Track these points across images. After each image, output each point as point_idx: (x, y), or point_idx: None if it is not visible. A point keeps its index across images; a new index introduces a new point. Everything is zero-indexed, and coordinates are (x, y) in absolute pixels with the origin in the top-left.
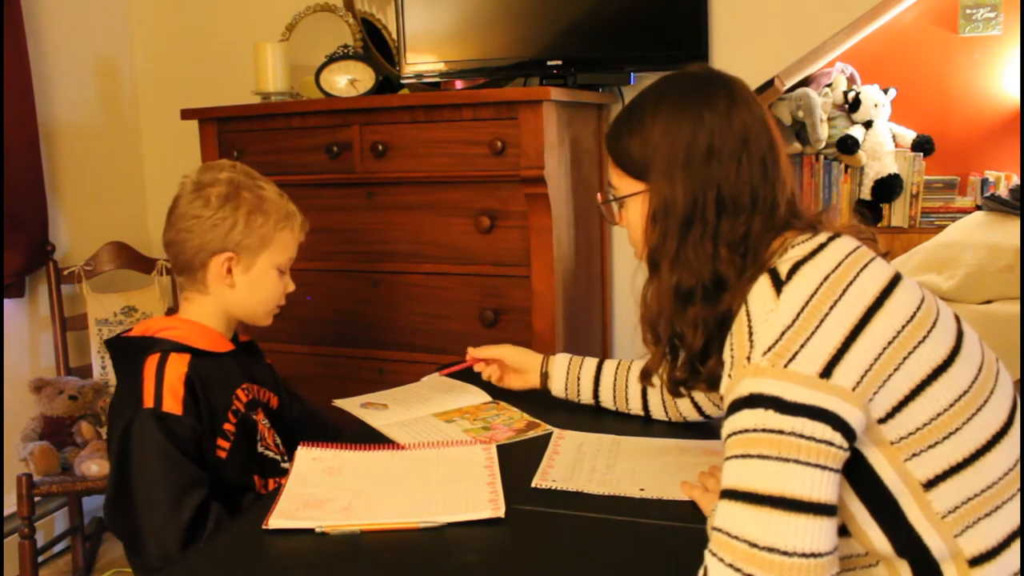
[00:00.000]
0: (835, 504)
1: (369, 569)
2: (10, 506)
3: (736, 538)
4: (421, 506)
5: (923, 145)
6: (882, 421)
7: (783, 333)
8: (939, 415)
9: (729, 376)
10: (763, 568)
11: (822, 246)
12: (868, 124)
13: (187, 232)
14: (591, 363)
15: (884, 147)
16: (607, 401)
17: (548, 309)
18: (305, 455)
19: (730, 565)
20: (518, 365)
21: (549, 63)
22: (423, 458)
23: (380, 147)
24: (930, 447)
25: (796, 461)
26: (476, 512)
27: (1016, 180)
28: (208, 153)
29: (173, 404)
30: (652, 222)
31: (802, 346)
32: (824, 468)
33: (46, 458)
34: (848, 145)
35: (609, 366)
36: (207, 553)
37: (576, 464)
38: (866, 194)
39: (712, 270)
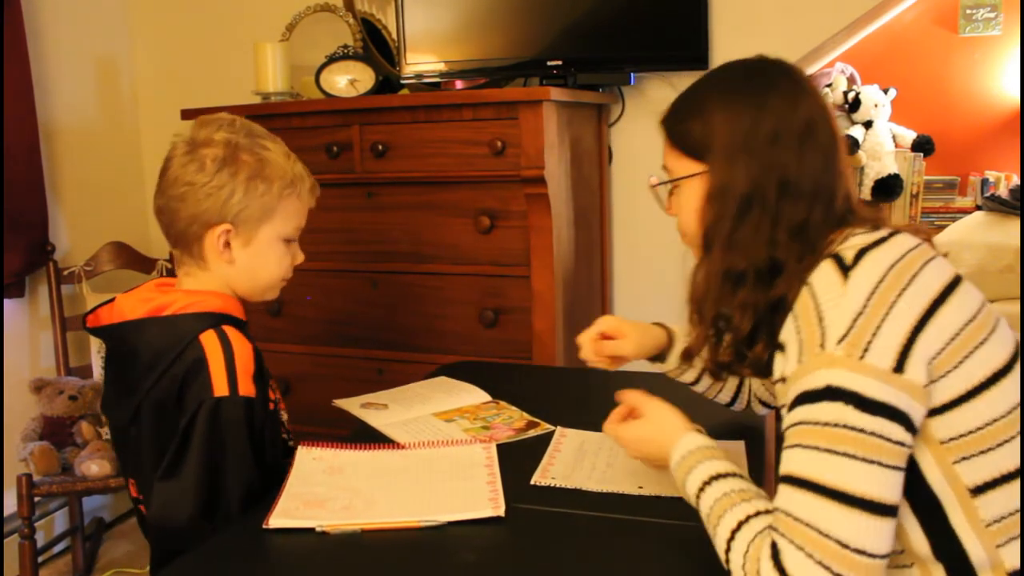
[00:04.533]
0: (898, 505)
1: (369, 568)
2: (10, 506)
3: (827, 536)
4: (421, 505)
5: (923, 145)
6: (930, 415)
7: (855, 320)
8: (995, 421)
9: (799, 361)
10: (852, 569)
11: (884, 238)
12: (868, 124)
13: (179, 200)
14: None
15: (884, 147)
16: (708, 378)
17: (548, 309)
18: (305, 455)
19: (819, 562)
20: (638, 327)
21: (549, 63)
22: (423, 457)
23: (380, 147)
24: (982, 452)
25: (879, 463)
26: (476, 511)
27: (1016, 180)
28: None
29: (247, 385)
30: (709, 202)
31: (874, 335)
32: (899, 470)
33: (46, 458)
34: (848, 145)
35: None
36: (207, 553)
37: (576, 462)
38: (866, 194)
39: (768, 255)
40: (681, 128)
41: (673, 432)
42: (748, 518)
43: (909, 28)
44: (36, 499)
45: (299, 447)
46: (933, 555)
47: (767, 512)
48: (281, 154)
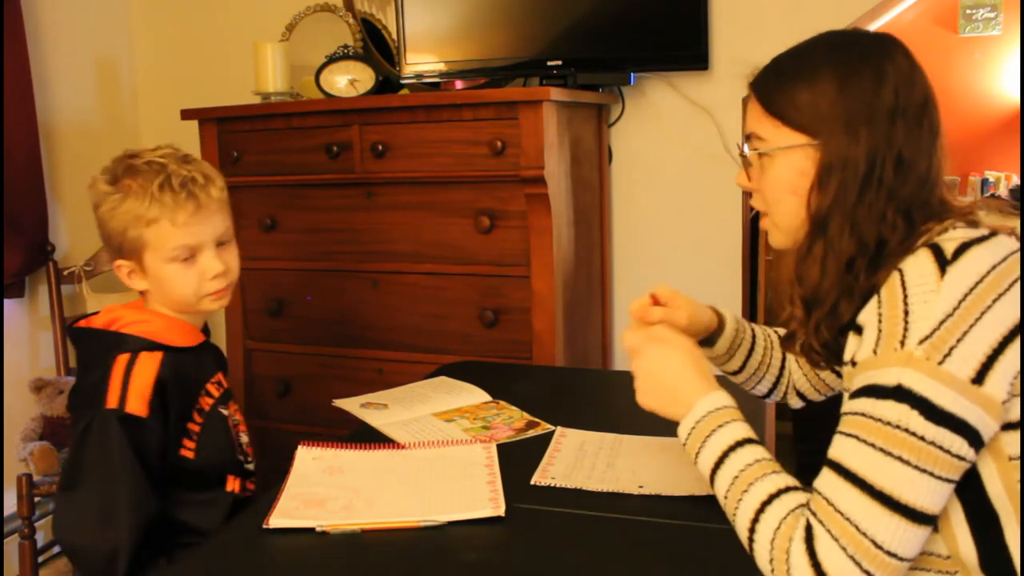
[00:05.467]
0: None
1: (370, 568)
2: (10, 506)
3: (864, 534)
4: (421, 505)
5: None
6: (1003, 429)
7: (942, 322)
8: None
9: (875, 352)
10: (880, 569)
11: (986, 236)
12: None
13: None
14: (746, 324)
15: None
16: (752, 364)
17: (548, 309)
18: (305, 454)
19: (851, 556)
20: (687, 304)
21: (549, 63)
22: (423, 457)
23: (380, 147)
24: None
25: (931, 474)
26: (476, 511)
27: (1016, 180)
28: (208, 153)
29: (138, 406)
30: (824, 177)
31: (959, 341)
32: (950, 482)
33: (46, 458)
34: None
35: (760, 331)
36: (207, 553)
37: (576, 461)
38: None
39: (878, 234)
40: (784, 95)
41: (692, 389)
42: (779, 492)
43: (909, 28)
44: (36, 499)
45: (299, 447)
46: (979, 566)
47: (798, 489)
48: (150, 182)
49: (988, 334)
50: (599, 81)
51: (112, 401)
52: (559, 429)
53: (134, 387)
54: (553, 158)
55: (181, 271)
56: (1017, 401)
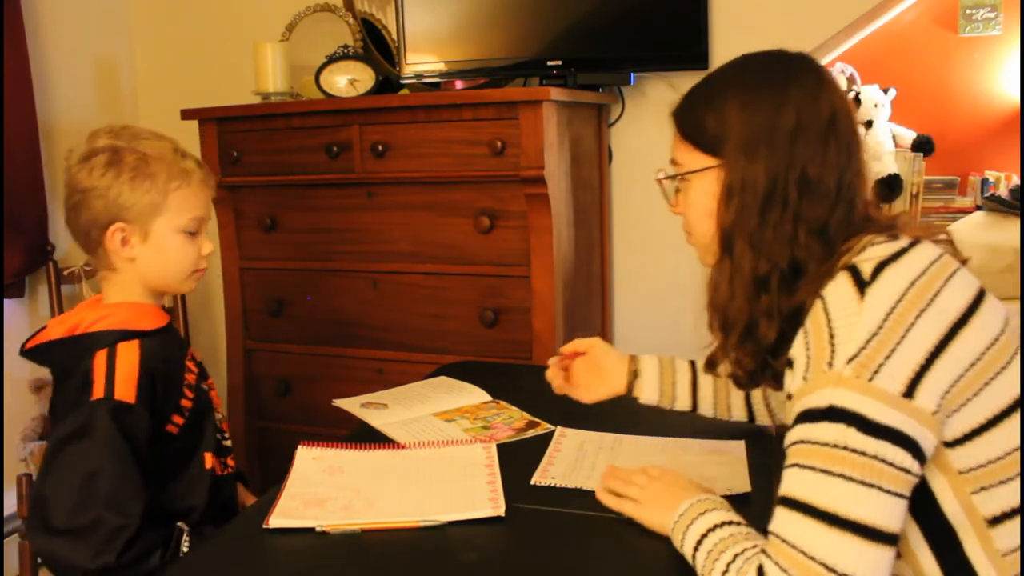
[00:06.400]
0: (899, 534)
1: (370, 568)
2: (10, 506)
3: (812, 559)
4: (421, 505)
5: (923, 145)
6: (949, 445)
7: (868, 341)
8: (1015, 450)
9: (804, 379)
10: None
11: (904, 250)
12: (868, 124)
13: (76, 208)
14: (684, 365)
15: (884, 147)
16: (705, 407)
17: (548, 309)
18: (305, 454)
19: None
20: (604, 361)
21: (549, 63)
22: (423, 457)
23: (380, 147)
24: (1002, 483)
25: (879, 488)
26: (476, 511)
27: (1016, 180)
28: (208, 153)
29: (126, 391)
30: (727, 198)
31: (887, 358)
32: (901, 497)
33: None
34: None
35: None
36: (207, 553)
37: (577, 461)
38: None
39: (791, 255)
40: (694, 120)
41: (682, 494)
42: (744, 551)
43: (909, 28)
44: None
45: (299, 447)
46: None
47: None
48: (168, 150)
49: (915, 349)
50: (599, 81)
51: (98, 392)
52: (559, 429)
53: (120, 375)
54: (553, 158)
55: (185, 243)
56: (957, 417)
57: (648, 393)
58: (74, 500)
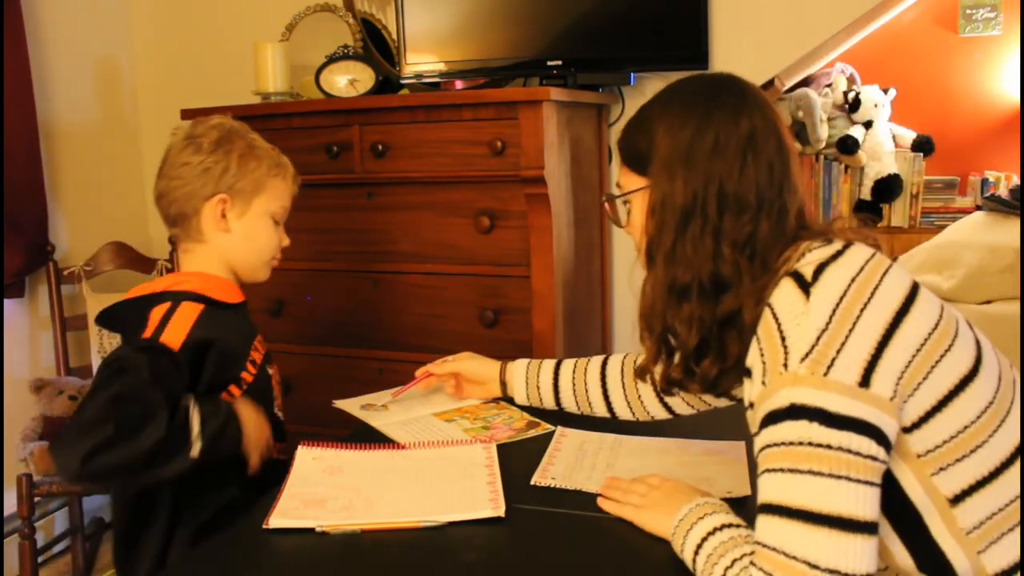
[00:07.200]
0: (877, 521)
1: (370, 568)
2: (10, 506)
3: (794, 558)
4: (421, 505)
5: (923, 145)
6: (907, 431)
7: (819, 337)
8: (966, 428)
9: (763, 384)
10: None
11: (840, 252)
12: (868, 124)
13: (179, 179)
14: (549, 367)
15: (884, 147)
16: (569, 405)
17: (548, 309)
18: (305, 455)
19: None
20: (477, 376)
21: (549, 63)
22: (423, 457)
23: (380, 147)
24: (957, 461)
25: (848, 478)
26: (476, 511)
27: (1016, 180)
28: None
29: (172, 341)
30: (651, 215)
31: (839, 352)
32: (872, 485)
33: (46, 458)
34: (848, 145)
35: (566, 368)
36: (207, 553)
37: (576, 462)
38: (866, 194)
39: (712, 269)
40: (628, 143)
41: (682, 499)
42: (744, 555)
43: (909, 28)
44: (36, 499)
45: (299, 447)
46: (917, 569)
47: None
48: (268, 146)
49: (864, 340)
50: (599, 81)
51: (146, 335)
52: (559, 429)
53: (172, 326)
54: (553, 158)
55: (272, 229)
56: (912, 402)
57: (519, 396)
58: (95, 416)
